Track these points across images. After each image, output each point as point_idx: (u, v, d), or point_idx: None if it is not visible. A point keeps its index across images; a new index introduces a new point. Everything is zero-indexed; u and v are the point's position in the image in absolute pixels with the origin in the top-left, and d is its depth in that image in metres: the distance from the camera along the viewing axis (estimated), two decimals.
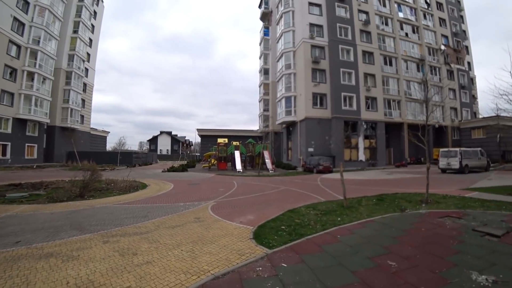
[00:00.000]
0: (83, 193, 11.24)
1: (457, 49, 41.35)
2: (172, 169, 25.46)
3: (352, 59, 31.71)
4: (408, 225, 6.32)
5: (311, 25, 31.61)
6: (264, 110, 47.39)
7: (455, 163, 20.57)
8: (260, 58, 51.75)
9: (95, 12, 46.94)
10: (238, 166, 25.46)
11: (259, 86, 51.48)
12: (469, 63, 42.78)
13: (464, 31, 44.20)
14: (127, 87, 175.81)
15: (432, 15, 39.79)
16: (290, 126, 35.17)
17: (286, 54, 33.77)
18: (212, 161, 29.52)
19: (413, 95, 35.32)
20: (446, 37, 40.56)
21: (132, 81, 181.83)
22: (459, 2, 45.08)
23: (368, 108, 31.91)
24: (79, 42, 41.17)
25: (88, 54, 45.90)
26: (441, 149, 22.12)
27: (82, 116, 44.93)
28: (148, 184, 14.82)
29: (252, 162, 30.51)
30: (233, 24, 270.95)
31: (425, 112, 10.60)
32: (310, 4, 32.13)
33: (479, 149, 22.37)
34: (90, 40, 46.02)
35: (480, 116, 39.57)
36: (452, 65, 39.66)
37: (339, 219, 6.86)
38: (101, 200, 10.38)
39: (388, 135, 33.37)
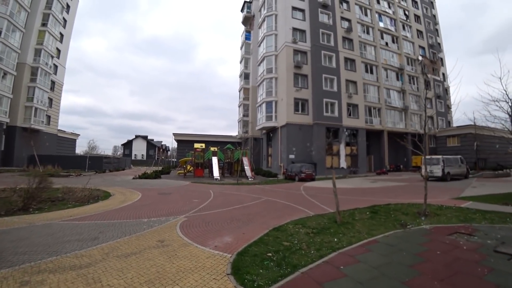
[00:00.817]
0: (28, 205, 9.32)
1: (433, 60, 42.77)
2: (144, 176, 23.40)
3: (334, 65, 31.48)
4: (418, 246, 5.26)
5: (294, 29, 31.09)
6: (244, 115, 46.22)
7: (437, 171, 20.36)
8: (240, 62, 50.81)
9: (68, 6, 43.73)
10: (216, 173, 23.89)
11: (239, 91, 50.40)
12: (443, 74, 44.29)
13: (439, 44, 45.92)
14: (103, 89, 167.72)
15: (410, 27, 41.02)
16: (270, 132, 34.18)
17: (268, 58, 32.94)
18: (188, 168, 27.64)
19: (393, 103, 35.76)
20: (423, 48, 41.89)
21: (108, 82, 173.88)
22: (434, 16, 46.96)
23: (350, 115, 31.67)
24: (48, 36, 37.83)
25: (59, 50, 42.51)
26: (423, 157, 21.85)
27: (49, 117, 41.23)
28: (112, 194, 12.92)
29: (231, 169, 29.06)
30: (215, 29, 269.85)
31: (424, 118, 9.80)
32: (294, 8, 31.68)
33: (459, 156, 22.46)
34: (61, 35, 42.68)
35: (454, 125, 40.88)
36: (429, 75, 40.86)
37: (335, 239, 5.66)
38: (48, 214, 8.53)
39: (369, 142, 33.30)
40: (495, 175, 23.55)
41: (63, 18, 42.36)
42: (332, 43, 32.02)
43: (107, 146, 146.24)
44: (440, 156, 20.74)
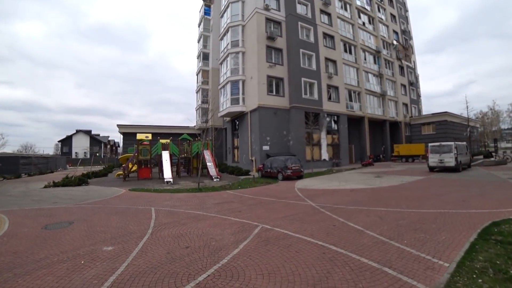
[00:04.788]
0: None
1: (405, 47, 40.71)
2: (62, 183, 15.57)
3: (312, 39, 26.44)
4: None
5: None
6: (203, 102, 39.25)
7: (449, 160, 16.57)
8: (198, 41, 43.53)
9: None
10: (167, 174, 17.07)
11: (197, 74, 43.24)
12: (414, 63, 42.72)
13: (409, 32, 44.16)
14: (43, 81, 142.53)
15: (385, 9, 38.47)
16: (236, 119, 28.06)
17: (234, 29, 26.58)
18: (130, 167, 20.06)
19: (372, 88, 32.38)
20: (396, 33, 39.60)
21: (49, 73, 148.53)
22: (404, 3, 45.08)
23: (330, 98, 27.09)
24: None
25: None
26: (431, 144, 17.98)
27: None
28: None
29: (188, 166, 22.35)
30: (169, 17, 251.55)
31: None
32: None
33: (464, 143, 19.11)
34: None
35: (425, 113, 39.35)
36: (403, 61, 38.62)
37: None
38: None
39: (348, 130, 29.23)
40: (496, 163, 20.83)
41: None
42: (309, 15, 26.90)
43: (50, 144, 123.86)
44: (452, 143, 16.91)
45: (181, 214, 7.51)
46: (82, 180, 16.29)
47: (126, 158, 22.22)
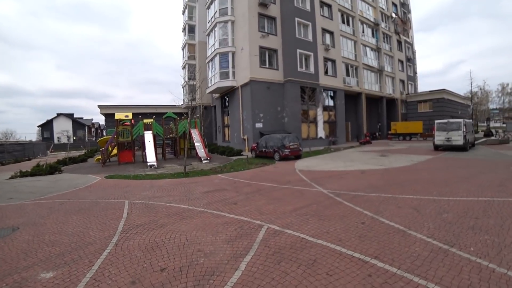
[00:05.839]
0: None
1: (404, 20, 38.67)
2: (33, 171, 13.57)
3: (308, 8, 24.10)
4: None
5: None
6: (190, 79, 36.63)
7: (457, 138, 15.44)
8: (183, 12, 40.10)
9: None
10: (150, 156, 15.29)
11: (182, 49, 40.20)
12: (412, 38, 40.93)
13: (408, 5, 41.88)
14: (20, 63, 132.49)
15: None
16: (226, 95, 26.03)
17: None
18: (110, 150, 18.00)
19: (369, 63, 30.69)
20: (395, 5, 37.45)
21: (27, 55, 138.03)
22: None
23: (327, 72, 25.30)
24: None
25: None
26: (438, 121, 16.75)
27: None
28: None
29: (175, 147, 20.54)
30: None
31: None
32: None
33: (471, 121, 18.05)
34: None
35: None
36: (401, 36, 36.77)
37: None
38: None
39: (345, 107, 27.78)
40: (500, 141, 19.99)
41: None
42: None
43: (33, 130, 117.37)
44: (461, 120, 15.71)
45: (161, 209, 5.92)
46: (54, 168, 14.28)
47: (105, 140, 20.03)
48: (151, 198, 7.04)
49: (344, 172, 9.93)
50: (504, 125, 42.44)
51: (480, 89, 45.89)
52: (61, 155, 24.13)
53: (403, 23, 38.17)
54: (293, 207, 5.62)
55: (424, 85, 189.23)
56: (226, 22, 23.47)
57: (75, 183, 10.28)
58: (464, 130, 15.31)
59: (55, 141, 62.60)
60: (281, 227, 4.49)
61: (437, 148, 16.70)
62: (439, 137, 16.20)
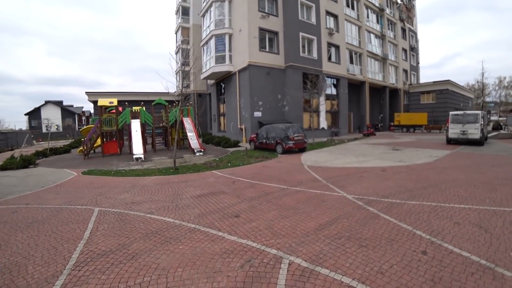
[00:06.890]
0: None
1: (409, 7, 36.98)
2: (4, 165, 11.77)
3: None
4: None
5: None
6: (183, 64, 34.48)
7: (474, 131, 14.17)
8: None
9: None
10: (137, 148, 13.65)
11: (175, 33, 37.92)
12: (416, 26, 39.32)
13: None
14: (9, 49, 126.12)
15: None
16: (222, 81, 24.25)
17: None
18: (94, 139, 16.13)
19: (374, 50, 29.07)
20: None
21: (15, 40, 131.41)
22: None
23: (330, 59, 23.66)
24: None
25: None
26: (453, 112, 15.41)
27: None
28: None
29: (166, 137, 18.84)
30: None
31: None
32: None
33: (486, 113, 16.83)
34: None
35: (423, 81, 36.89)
36: (405, 23, 35.12)
37: None
38: None
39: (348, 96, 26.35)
40: (511, 135, 18.88)
41: None
42: None
43: (23, 119, 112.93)
44: (479, 112, 14.40)
45: (138, 224, 4.41)
46: (28, 161, 12.52)
47: (89, 130, 18.17)
48: (128, 204, 5.51)
49: (361, 170, 8.54)
50: (501, 118, 41.74)
51: (477, 82, 44.94)
52: (45, 145, 22.26)
53: (407, 10, 36.51)
54: (317, 223, 4.18)
55: (421, 77, 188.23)
56: (223, 1, 21.48)
57: (45, 180, 8.67)
58: (482, 123, 14.05)
59: (43, 130, 59.80)
60: (310, 261, 3.03)
61: (449, 141, 15.45)
62: (454, 130, 14.90)
